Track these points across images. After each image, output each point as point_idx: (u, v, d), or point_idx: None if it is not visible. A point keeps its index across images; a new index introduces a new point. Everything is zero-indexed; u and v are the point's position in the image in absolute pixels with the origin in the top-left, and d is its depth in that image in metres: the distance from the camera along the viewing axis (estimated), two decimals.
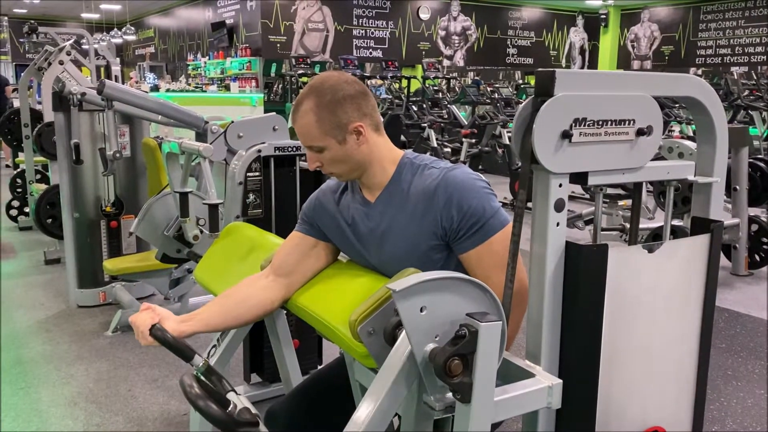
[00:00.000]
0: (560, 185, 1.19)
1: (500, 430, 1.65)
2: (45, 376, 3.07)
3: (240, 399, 1.32)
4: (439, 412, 1.16)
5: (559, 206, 1.20)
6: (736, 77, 9.78)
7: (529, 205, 1.23)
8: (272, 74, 13.15)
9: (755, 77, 10.51)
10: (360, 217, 1.57)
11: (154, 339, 1.44)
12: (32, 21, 6.57)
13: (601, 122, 1.19)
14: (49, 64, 4.88)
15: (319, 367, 2.58)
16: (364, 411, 1.12)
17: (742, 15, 15.03)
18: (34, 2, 17.16)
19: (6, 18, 18.97)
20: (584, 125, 1.17)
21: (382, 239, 1.52)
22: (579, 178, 1.22)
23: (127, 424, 2.65)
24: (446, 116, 9.08)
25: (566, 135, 1.16)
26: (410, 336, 1.09)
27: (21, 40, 17.43)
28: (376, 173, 1.54)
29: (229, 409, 1.26)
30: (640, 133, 1.24)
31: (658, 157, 1.30)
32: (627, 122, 1.22)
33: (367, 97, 1.52)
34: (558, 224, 1.20)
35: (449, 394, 1.14)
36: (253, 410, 1.29)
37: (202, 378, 1.36)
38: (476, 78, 14.16)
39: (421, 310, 1.08)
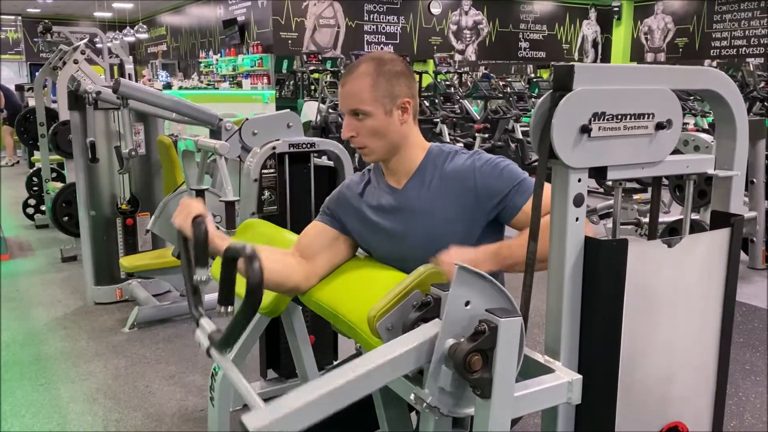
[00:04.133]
0: (579, 180, 1.18)
1: (518, 425, 1.65)
2: (64, 373, 3.10)
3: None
4: (428, 407, 1.12)
5: (578, 201, 1.19)
6: (751, 68, 9.67)
7: None
8: (284, 71, 13.17)
9: None
10: (388, 203, 1.58)
11: (191, 226, 1.36)
12: (46, 20, 6.62)
13: (620, 116, 1.18)
14: (64, 63, 4.92)
15: (336, 363, 2.59)
16: (356, 366, 1.06)
17: (758, 5, 14.84)
18: (47, 2, 17.27)
19: (20, 17, 19.14)
20: (603, 119, 1.16)
21: (415, 223, 1.53)
22: (598, 172, 1.21)
23: (145, 420, 2.67)
24: (458, 111, 9.05)
25: (585, 129, 1.15)
26: (446, 325, 1.08)
27: (35, 39, 17.63)
28: (405, 158, 1.56)
29: None
30: (659, 126, 1.23)
31: (673, 150, 1.29)
32: (646, 116, 1.21)
33: (416, 82, 1.58)
34: (577, 219, 1.20)
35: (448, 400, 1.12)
36: None
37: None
38: (486, 72, 14.10)
39: (466, 305, 1.08)
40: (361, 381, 1.06)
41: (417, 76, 10.35)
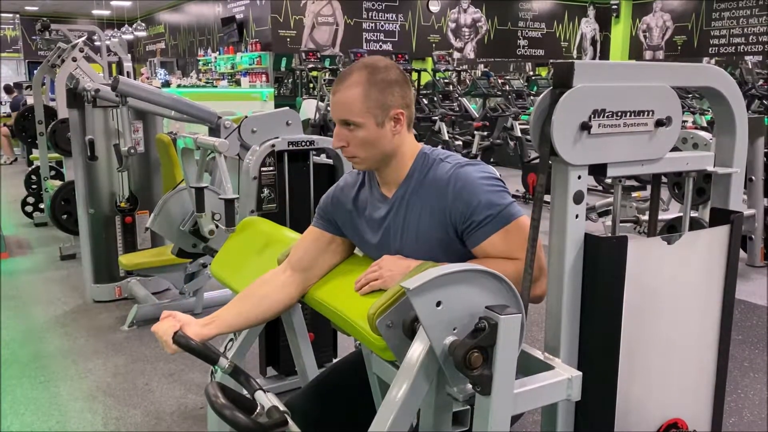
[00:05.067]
0: (579, 177, 1.18)
1: (518, 422, 1.65)
2: (63, 371, 3.10)
3: (267, 397, 1.32)
4: (461, 403, 1.16)
5: (578, 198, 1.19)
6: (750, 66, 9.67)
7: (547, 198, 1.23)
8: (282, 69, 13.15)
9: None
10: (378, 213, 1.56)
11: (178, 347, 1.43)
12: (44, 18, 6.61)
13: (620, 113, 1.18)
14: (62, 61, 4.91)
15: (335, 360, 2.59)
16: (388, 407, 1.12)
17: (756, 3, 14.83)
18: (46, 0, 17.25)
19: (18, 15, 19.10)
20: (603, 116, 1.17)
21: (401, 233, 1.52)
22: (598, 169, 1.21)
23: (145, 418, 2.67)
24: (457, 109, 9.05)
25: (585, 126, 1.15)
26: (428, 331, 1.09)
27: (33, 37, 17.57)
28: (397, 168, 1.52)
29: (257, 411, 1.27)
30: (659, 124, 1.23)
31: (672, 148, 1.29)
32: (646, 113, 1.21)
33: (411, 89, 1.52)
34: (577, 216, 1.20)
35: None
36: (282, 407, 1.29)
37: (229, 377, 1.37)
38: (486, 70, 14.09)
39: (438, 305, 1.08)
40: (400, 415, 1.11)
41: (415, 75, 10.34)
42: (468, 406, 1.22)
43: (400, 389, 1.12)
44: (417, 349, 1.13)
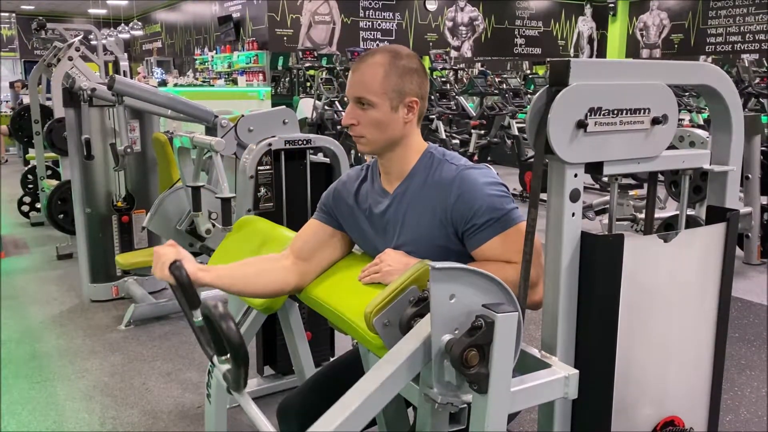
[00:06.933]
0: (575, 175, 1.19)
1: (515, 420, 1.65)
2: (60, 370, 3.10)
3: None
4: (441, 406, 1.14)
5: (575, 196, 1.19)
6: (746, 65, 9.69)
7: (543, 196, 1.23)
8: (279, 68, 13.14)
9: (766, 64, 10.43)
10: (378, 208, 1.56)
11: (170, 275, 1.39)
12: (40, 17, 6.59)
13: (616, 111, 1.18)
14: (59, 60, 4.90)
15: (332, 359, 2.59)
16: (364, 386, 1.10)
17: (753, 2, 14.85)
18: None
19: (14, 14, 19.05)
20: (599, 114, 1.17)
21: (400, 230, 1.52)
22: (594, 168, 1.21)
23: (142, 417, 2.67)
24: (454, 107, 9.04)
25: (581, 125, 1.15)
26: (434, 321, 1.08)
27: (29, 36, 17.53)
28: (401, 159, 1.53)
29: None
30: (655, 122, 1.23)
31: (668, 146, 1.29)
32: (642, 111, 1.21)
33: (428, 82, 1.54)
34: (573, 215, 1.20)
35: (457, 392, 1.13)
36: None
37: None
38: (483, 68, 14.10)
39: (451, 298, 1.08)
40: (365, 406, 1.09)
41: None
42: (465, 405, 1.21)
43: (379, 376, 1.10)
44: (409, 343, 1.12)
